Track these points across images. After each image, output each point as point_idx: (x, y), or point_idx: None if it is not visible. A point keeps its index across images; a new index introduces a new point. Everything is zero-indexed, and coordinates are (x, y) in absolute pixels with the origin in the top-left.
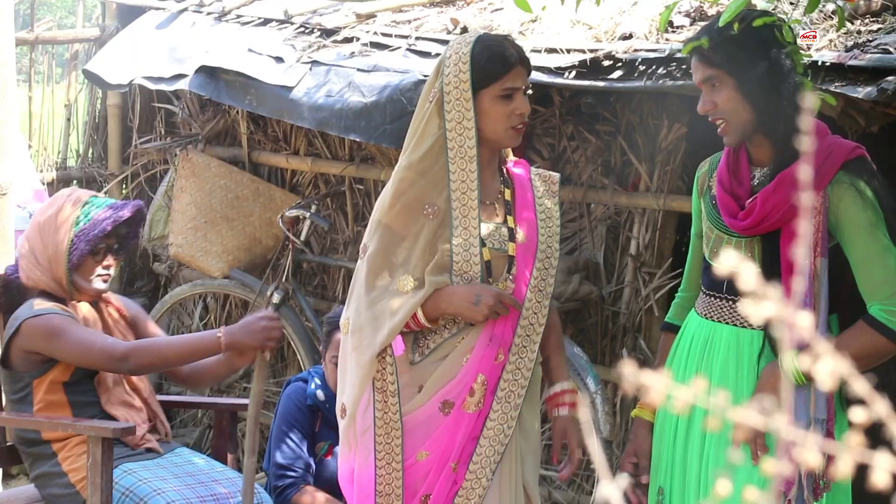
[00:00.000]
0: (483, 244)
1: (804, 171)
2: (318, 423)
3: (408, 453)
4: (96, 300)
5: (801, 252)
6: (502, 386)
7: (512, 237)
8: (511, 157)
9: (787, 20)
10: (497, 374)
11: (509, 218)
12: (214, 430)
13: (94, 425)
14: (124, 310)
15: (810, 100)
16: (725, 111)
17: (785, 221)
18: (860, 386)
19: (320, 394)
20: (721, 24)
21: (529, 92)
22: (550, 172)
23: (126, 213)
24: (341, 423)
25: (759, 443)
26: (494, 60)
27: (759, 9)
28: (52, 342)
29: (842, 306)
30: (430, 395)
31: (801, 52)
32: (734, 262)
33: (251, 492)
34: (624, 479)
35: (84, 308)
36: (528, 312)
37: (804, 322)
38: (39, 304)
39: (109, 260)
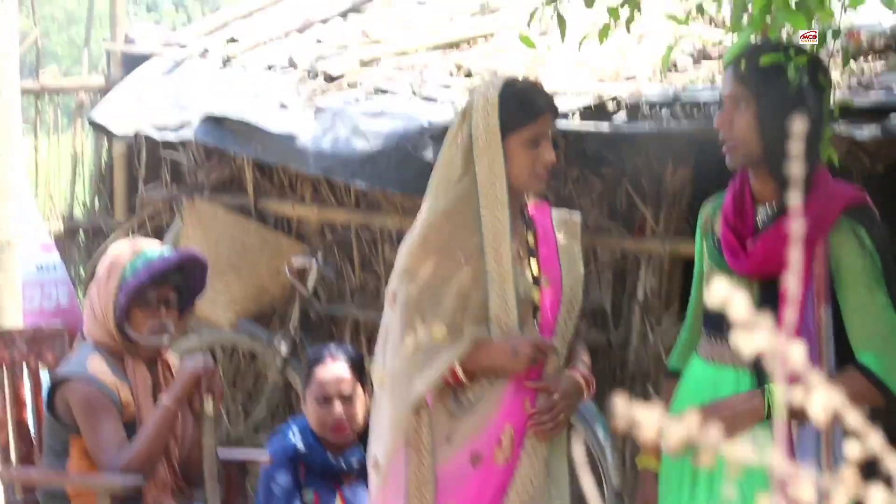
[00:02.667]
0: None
1: (795, 225)
2: (302, 472)
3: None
4: (155, 360)
5: (796, 298)
6: (529, 436)
7: (537, 283)
8: (531, 200)
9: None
10: (524, 424)
11: (533, 262)
12: (224, 483)
13: (102, 480)
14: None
15: (798, 147)
16: (738, 135)
17: (785, 268)
18: (854, 419)
19: (300, 445)
20: (726, 62)
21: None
22: (572, 213)
23: (161, 264)
24: (373, 477)
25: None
26: (524, 106)
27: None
28: (79, 418)
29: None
30: (460, 446)
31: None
32: (725, 293)
33: None
34: None
35: (139, 369)
36: (553, 359)
37: (798, 354)
38: (92, 365)
39: (162, 312)
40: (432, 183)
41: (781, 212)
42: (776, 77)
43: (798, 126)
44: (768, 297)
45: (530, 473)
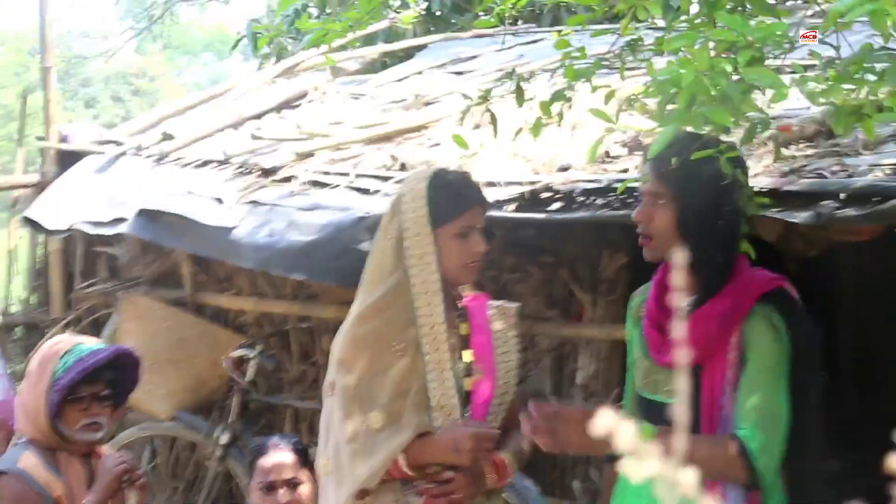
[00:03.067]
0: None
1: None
2: None
3: None
4: (89, 454)
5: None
6: None
7: (468, 373)
8: (468, 290)
9: (737, 148)
10: None
11: (465, 353)
12: None
13: None
14: None
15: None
16: (657, 232)
17: (706, 357)
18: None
19: None
20: (651, 154)
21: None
22: (508, 304)
23: (92, 361)
24: None
25: None
26: (453, 198)
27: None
28: None
29: None
30: None
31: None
32: (611, 424)
33: None
34: None
35: (73, 463)
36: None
37: (688, 482)
38: (26, 462)
39: (95, 408)
40: (365, 275)
41: (701, 304)
42: (697, 174)
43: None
44: (693, 384)
45: None
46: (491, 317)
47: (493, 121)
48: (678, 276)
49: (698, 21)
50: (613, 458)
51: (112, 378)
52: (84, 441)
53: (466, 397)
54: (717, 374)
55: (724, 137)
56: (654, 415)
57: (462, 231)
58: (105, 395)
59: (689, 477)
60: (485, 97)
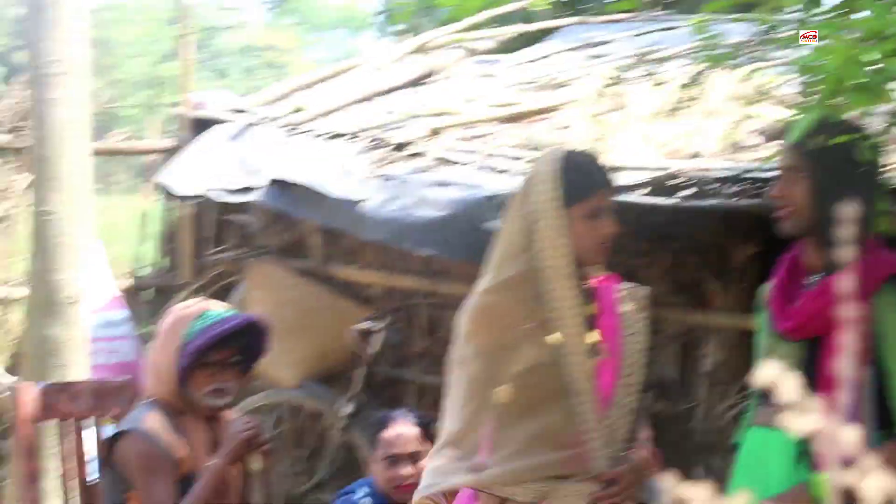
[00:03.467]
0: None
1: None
2: None
3: None
4: (214, 417)
5: (844, 362)
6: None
7: (594, 353)
8: (599, 271)
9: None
10: None
11: (591, 334)
12: None
13: None
14: None
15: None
16: (795, 204)
17: (827, 329)
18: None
19: (367, 501)
20: (791, 140)
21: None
22: (638, 287)
23: (223, 328)
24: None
25: None
26: (583, 179)
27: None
28: (135, 474)
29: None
30: None
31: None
32: (776, 371)
33: None
34: None
35: (198, 426)
36: (608, 430)
37: (849, 436)
38: (151, 422)
39: (224, 375)
40: (494, 253)
41: (828, 277)
42: (833, 152)
43: (848, 208)
44: (812, 357)
45: None
46: (620, 299)
47: (627, 104)
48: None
49: (835, 13)
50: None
51: (241, 345)
52: (210, 406)
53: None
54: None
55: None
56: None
57: (592, 212)
58: (233, 362)
59: (849, 434)
60: (619, 79)
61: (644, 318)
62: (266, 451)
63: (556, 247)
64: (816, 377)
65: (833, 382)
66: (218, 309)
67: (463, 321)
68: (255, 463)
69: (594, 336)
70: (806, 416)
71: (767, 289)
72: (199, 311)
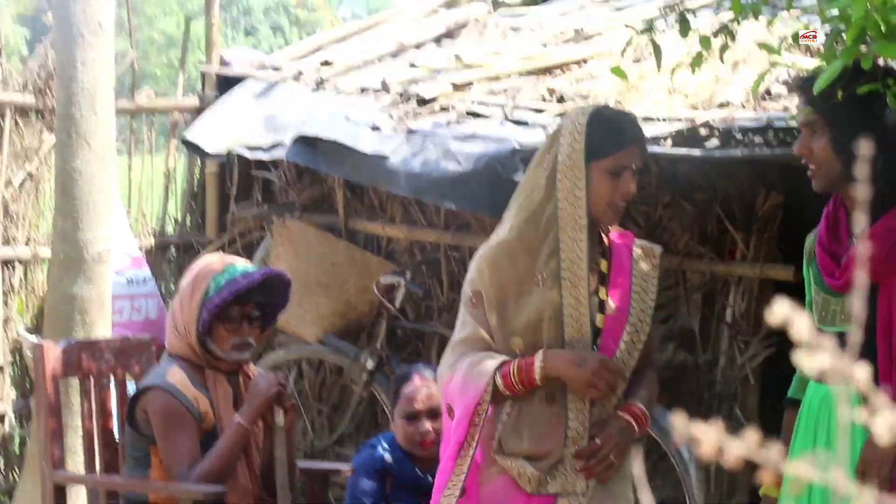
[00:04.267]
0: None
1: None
2: (389, 486)
3: None
4: (236, 371)
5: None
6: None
7: (602, 309)
8: (615, 228)
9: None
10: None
11: (602, 289)
12: (306, 494)
13: (185, 488)
14: None
15: (865, 170)
16: (818, 159)
17: (879, 277)
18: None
19: (388, 457)
20: (816, 91)
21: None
22: (653, 245)
23: (244, 282)
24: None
25: (885, 489)
26: (610, 135)
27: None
28: (156, 428)
29: None
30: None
31: None
32: (786, 312)
33: None
34: None
35: (220, 380)
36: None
37: (860, 374)
38: (173, 377)
39: (245, 329)
40: (514, 201)
41: (872, 224)
42: (852, 104)
43: (866, 149)
44: (868, 309)
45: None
46: (634, 256)
47: (657, 51)
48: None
49: None
50: (793, 403)
51: (262, 300)
52: (232, 360)
53: (597, 333)
54: (894, 294)
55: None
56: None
57: (615, 168)
58: (255, 317)
59: (862, 372)
60: (648, 28)
61: (656, 277)
62: (291, 406)
63: (574, 199)
64: (872, 327)
65: (891, 330)
66: (241, 265)
67: (478, 263)
68: (279, 418)
69: (604, 292)
70: (819, 356)
71: (811, 239)
72: (221, 266)
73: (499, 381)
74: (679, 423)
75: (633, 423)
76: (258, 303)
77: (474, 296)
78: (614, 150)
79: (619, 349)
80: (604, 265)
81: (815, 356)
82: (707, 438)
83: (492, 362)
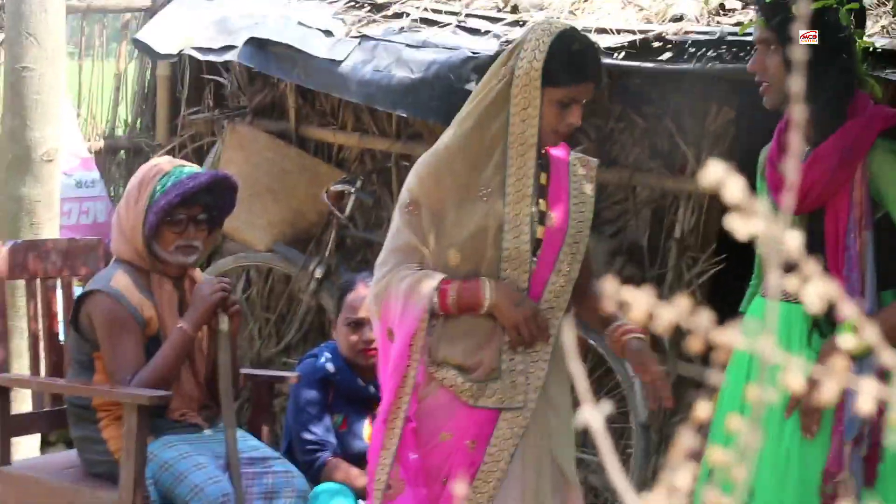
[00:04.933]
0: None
1: (794, 140)
2: (331, 396)
3: (430, 435)
4: (182, 276)
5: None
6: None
7: (542, 220)
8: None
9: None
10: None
11: (541, 201)
12: (252, 402)
13: (130, 392)
14: None
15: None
16: (771, 76)
17: (827, 197)
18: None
19: (330, 366)
20: (763, 11)
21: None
22: (589, 158)
23: (191, 184)
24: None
25: (815, 417)
26: (570, 65)
27: None
28: (99, 333)
29: None
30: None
31: (859, 38)
32: (720, 174)
33: (236, 462)
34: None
35: (165, 285)
36: (550, 295)
37: (792, 241)
38: (118, 281)
39: (191, 232)
40: (466, 108)
41: (819, 144)
42: (795, 20)
43: (802, 8)
44: (813, 230)
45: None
46: (571, 169)
47: None
48: (796, 115)
49: None
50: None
51: (209, 203)
52: (178, 263)
53: (537, 245)
54: (842, 213)
55: None
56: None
57: (566, 99)
58: (201, 219)
59: (792, 238)
60: None
61: (593, 188)
62: (235, 311)
63: (526, 117)
64: (819, 248)
65: (838, 252)
66: (187, 167)
67: (419, 170)
68: (223, 324)
69: (543, 204)
70: (815, 287)
71: (764, 154)
72: (168, 168)
73: (435, 300)
74: (610, 288)
75: (644, 335)
76: (205, 205)
77: (412, 203)
78: (571, 82)
79: (558, 260)
80: (542, 178)
81: (748, 220)
82: (638, 304)
83: (429, 283)
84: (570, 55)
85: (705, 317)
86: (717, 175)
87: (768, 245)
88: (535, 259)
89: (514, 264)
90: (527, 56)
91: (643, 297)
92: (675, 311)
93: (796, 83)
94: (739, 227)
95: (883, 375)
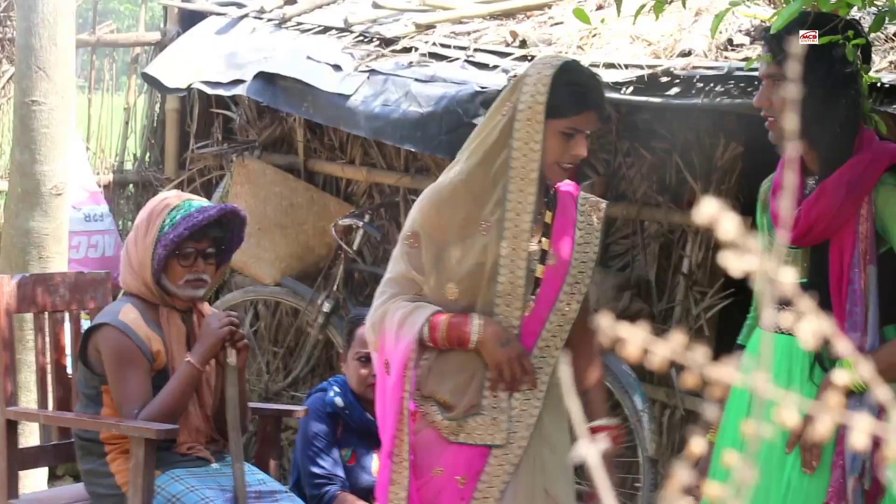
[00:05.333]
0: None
1: (788, 178)
2: (340, 430)
3: (424, 469)
4: (190, 310)
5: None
6: (513, 404)
7: (543, 259)
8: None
9: (858, 35)
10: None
11: (544, 240)
12: (259, 436)
13: (137, 426)
14: None
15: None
16: (776, 111)
17: (832, 231)
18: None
19: (339, 401)
20: (773, 31)
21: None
22: (598, 199)
23: (200, 218)
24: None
25: (815, 452)
26: (573, 95)
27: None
28: (107, 366)
29: None
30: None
31: (865, 73)
32: (714, 211)
33: (244, 496)
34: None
35: (174, 319)
36: (548, 334)
37: (786, 278)
38: (126, 314)
39: (200, 265)
40: (470, 143)
41: (825, 178)
42: (812, 55)
43: (799, 47)
44: (816, 263)
45: (513, 439)
46: (579, 208)
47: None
48: (794, 151)
49: None
50: (739, 349)
51: (218, 236)
52: (187, 296)
53: (537, 283)
54: (847, 248)
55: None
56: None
57: (570, 130)
58: (210, 253)
59: (787, 276)
60: None
61: (599, 230)
62: (243, 346)
63: (528, 152)
64: (824, 282)
65: (842, 286)
66: (195, 200)
67: (423, 203)
68: (231, 358)
69: (546, 243)
70: (815, 323)
71: (766, 186)
72: (177, 201)
73: (425, 332)
74: (605, 324)
75: (615, 444)
76: (214, 239)
77: (412, 236)
78: (574, 112)
79: (558, 300)
80: (548, 216)
81: (743, 257)
82: (633, 339)
83: (421, 315)
84: (571, 85)
85: (701, 353)
86: (713, 211)
87: (762, 280)
88: (533, 297)
89: (507, 300)
90: (529, 90)
91: (638, 332)
92: (670, 347)
93: (794, 118)
94: (733, 263)
95: (882, 411)
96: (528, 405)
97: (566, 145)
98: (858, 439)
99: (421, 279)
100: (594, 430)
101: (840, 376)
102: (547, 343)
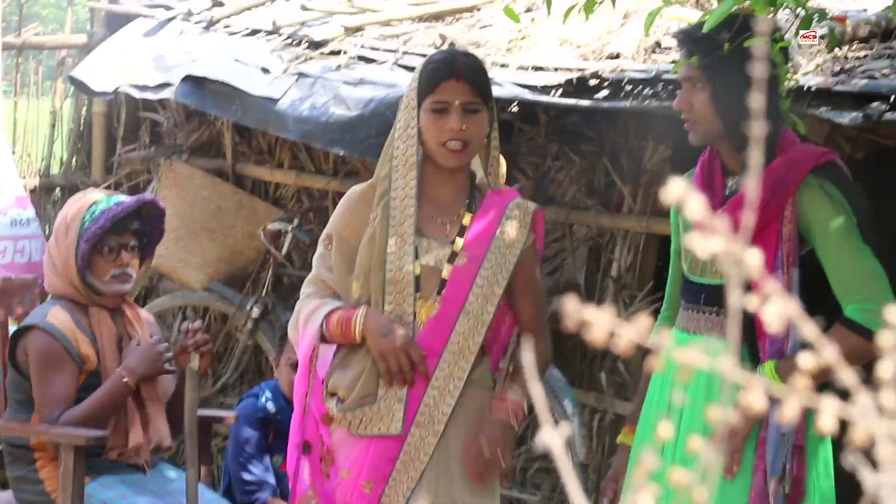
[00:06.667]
0: (416, 258)
1: (750, 190)
2: (271, 436)
3: (336, 470)
4: (119, 307)
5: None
6: (422, 410)
7: (451, 259)
8: (500, 184)
9: (780, 38)
10: (418, 396)
11: (458, 240)
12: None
13: (66, 432)
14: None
15: (758, 128)
16: (697, 114)
17: (755, 233)
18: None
19: (270, 406)
20: (705, 30)
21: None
22: (529, 203)
23: (119, 209)
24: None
25: (736, 458)
26: (432, 72)
27: (753, 13)
28: (32, 368)
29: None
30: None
31: (789, 75)
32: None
33: (195, 499)
34: None
35: (104, 320)
36: (459, 338)
37: (754, 260)
38: (55, 316)
39: (124, 259)
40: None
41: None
42: (730, 59)
43: (756, 104)
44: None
45: (419, 447)
46: (506, 212)
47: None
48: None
49: None
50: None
51: (139, 229)
52: (113, 292)
53: (443, 284)
54: (770, 249)
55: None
56: (702, 298)
57: (435, 106)
58: (133, 246)
59: (752, 255)
60: None
61: (524, 234)
62: (206, 351)
63: (406, 138)
64: (748, 284)
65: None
66: (113, 195)
67: (340, 204)
68: (194, 363)
69: (459, 243)
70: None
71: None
72: (95, 198)
73: (325, 328)
74: (570, 307)
75: (513, 419)
76: (135, 231)
77: (326, 238)
78: (434, 86)
79: (467, 301)
80: (467, 217)
81: (709, 240)
82: (598, 323)
83: (321, 312)
84: (435, 63)
85: (664, 336)
86: (580, 315)
87: (674, 280)
88: (438, 297)
89: (398, 287)
90: (409, 82)
91: (604, 316)
92: (636, 330)
93: (715, 120)
94: (699, 246)
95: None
96: (436, 411)
97: (441, 122)
98: (788, 413)
99: (331, 279)
100: (500, 400)
101: (760, 378)
102: (459, 346)
